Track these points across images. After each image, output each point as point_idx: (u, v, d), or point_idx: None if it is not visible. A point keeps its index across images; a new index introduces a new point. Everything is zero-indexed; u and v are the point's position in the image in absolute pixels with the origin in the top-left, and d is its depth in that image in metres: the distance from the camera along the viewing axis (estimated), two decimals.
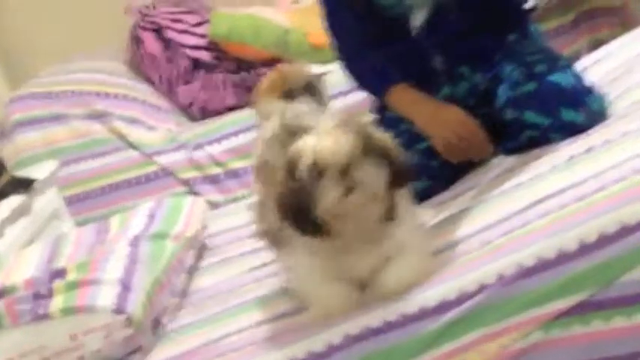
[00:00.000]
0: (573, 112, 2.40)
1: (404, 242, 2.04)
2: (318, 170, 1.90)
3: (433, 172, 2.55)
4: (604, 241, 1.84)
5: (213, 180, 3.89)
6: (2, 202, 3.30)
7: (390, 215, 1.99)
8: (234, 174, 3.88)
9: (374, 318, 1.97)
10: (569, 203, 1.98)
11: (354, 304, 2.04)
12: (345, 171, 1.90)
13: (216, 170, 3.90)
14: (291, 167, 1.93)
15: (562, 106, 2.41)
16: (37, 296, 2.27)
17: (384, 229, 2.00)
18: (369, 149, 1.94)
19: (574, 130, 2.39)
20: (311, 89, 2.32)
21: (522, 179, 2.26)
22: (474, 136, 2.52)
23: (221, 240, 3.01)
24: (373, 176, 1.93)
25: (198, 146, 3.94)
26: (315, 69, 3.35)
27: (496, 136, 2.56)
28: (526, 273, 1.88)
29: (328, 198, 1.90)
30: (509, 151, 2.52)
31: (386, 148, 1.98)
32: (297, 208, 1.93)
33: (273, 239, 2.16)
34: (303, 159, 1.91)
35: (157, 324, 2.40)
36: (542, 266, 1.87)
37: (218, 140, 3.95)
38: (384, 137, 2.02)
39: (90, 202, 3.91)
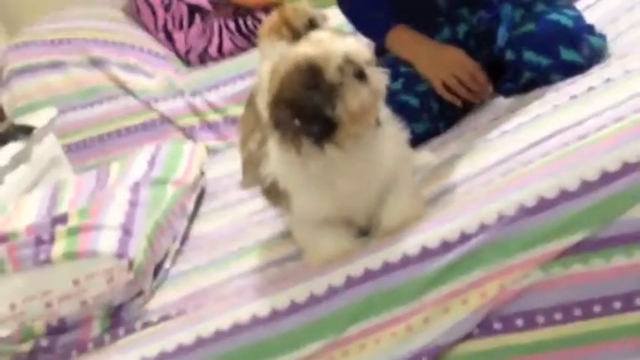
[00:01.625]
0: (573, 51, 2.39)
1: (396, 166, 2.04)
2: (343, 70, 1.90)
3: (433, 114, 2.54)
4: (605, 179, 1.84)
5: (212, 126, 3.87)
6: (2, 149, 3.29)
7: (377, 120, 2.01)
8: (232, 120, 3.85)
9: (375, 260, 1.97)
10: (571, 142, 1.97)
11: (352, 248, 2.05)
12: (363, 71, 1.91)
13: (215, 117, 3.88)
14: (313, 69, 1.91)
15: (562, 45, 2.40)
16: (39, 242, 2.27)
17: (373, 137, 2.01)
18: None
19: (574, 69, 2.38)
20: (314, 28, 2.31)
21: (523, 120, 2.26)
22: (474, 78, 2.51)
23: (221, 185, 3.01)
24: (382, 76, 1.95)
25: (197, 93, 3.92)
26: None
27: (496, 77, 2.55)
28: (527, 212, 1.88)
29: (355, 99, 1.90)
30: (509, 93, 2.52)
31: None
32: (313, 110, 1.91)
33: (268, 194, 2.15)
34: (331, 59, 1.90)
35: (158, 269, 2.42)
36: (543, 205, 1.87)
37: (216, 87, 3.93)
38: None
39: (89, 150, 3.89)
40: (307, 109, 1.91)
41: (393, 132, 2.06)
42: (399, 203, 2.04)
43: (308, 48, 1.93)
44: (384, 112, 2.05)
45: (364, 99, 1.91)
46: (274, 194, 2.10)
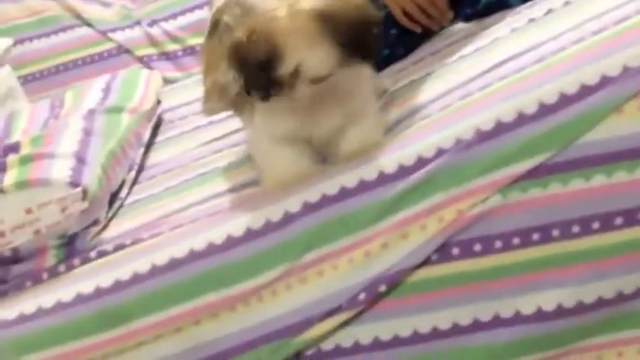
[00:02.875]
0: None
1: (362, 105, 2.02)
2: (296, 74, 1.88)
3: (392, 41, 2.52)
4: (563, 101, 1.82)
5: (170, 57, 3.82)
6: None
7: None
8: (191, 50, 3.81)
9: (332, 185, 1.95)
10: (528, 65, 1.95)
11: (309, 170, 2.03)
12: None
13: (173, 47, 3.83)
14: (262, 50, 1.87)
15: None
16: None
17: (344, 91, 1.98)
18: (344, 35, 1.89)
19: None
20: None
21: (481, 43, 2.23)
22: (434, 4, 2.48)
23: (177, 114, 2.98)
24: (347, 73, 1.92)
25: (154, 22, 3.87)
26: None
27: (456, 3, 2.52)
28: (484, 136, 1.86)
29: (298, 95, 1.90)
30: (469, 18, 2.49)
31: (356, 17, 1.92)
32: (256, 66, 1.88)
33: (233, 103, 2.13)
34: (284, 62, 1.86)
35: (113, 198, 2.39)
36: (501, 129, 1.85)
37: (174, 16, 3.87)
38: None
39: (45, 81, 3.83)
40: (248, 62, 1.89)
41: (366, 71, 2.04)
42: (359, 130, 2.02)
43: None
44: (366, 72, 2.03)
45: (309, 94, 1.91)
46: (240, 102, 2.07)
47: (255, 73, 1.89)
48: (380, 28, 1.97)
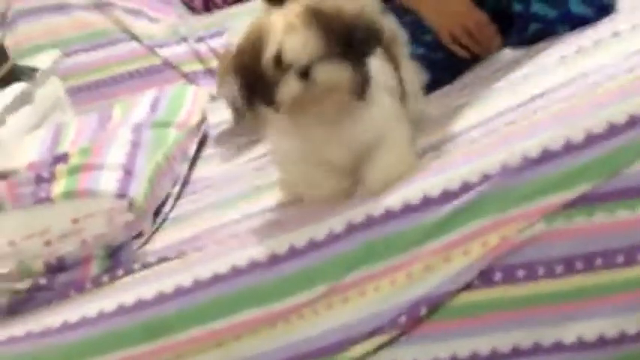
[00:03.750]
0: (582, 4, 2.37)
1: (382, 130, 2.00)
2: (280, 63, 1.88)
3: (438, 65, 2.52)
4: (611, 131, 1.82)
5: (215, 73, 3.85)
6: (5, 90, 3.28)
7: (359, 94, 1.95)
8: None
9: (376, 207, 1.95)
10: (577, 94, 1.95)
11: (350, 187, 2.04)
12: (306, 69, 1.87)
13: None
14: (256, 48, 1.91)
15: None
16: (39, 180, 2.27)
17: (354, 110, 1.97)
18: (333, 31, 1.89)
19: (582, 22, 2.36)
20: None
21: (529, 70, 2.24)
22: (482, 29, 2.49)
23: (222, 130, 3.00)
24: (335, 72, 1.89)
25: (200, 39, 3.90)
26: None
27: (504, 30, 2.53)
28: (530, 163, 1.86)
29: (286, 92, 1.88)
30: (516, 45, 2.49)
31: (352, 21, 1.93)
32: (256, 86, 1.91)
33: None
34: (267, 48, 1.88)
35: (158, 211, 2.41)
36: (548, 156, 1.85)
37: (220, 34, 3.90)
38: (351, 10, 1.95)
39: (91, 93, 3.88)
40: (248, 83, 1.93)
41: (382, 102, 2.01)
42: (383, 163, 2.00)
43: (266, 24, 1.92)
44: (378, 83, 2.00)
45: (301, 93, 1.88)
46: (255, 124, 2.12)
47: (247, 69, 1.91)
48: (378, 37, 1.98)
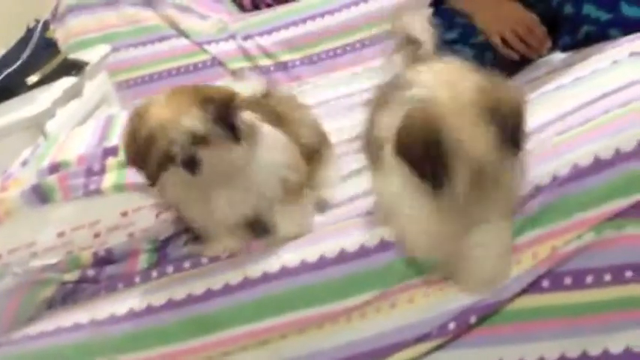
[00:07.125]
0: (635, 6, 2.35)
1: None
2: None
3: (487, 66, 2.50)
4: None
5: (262, 71, 3.86)
6: (55, 83, 3.31)
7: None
8: (283, 66, 3.85)
9: None
10: (630, 101, 1.93)
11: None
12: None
13: (265, 62, 3.87)
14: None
15: (623, 0, 2.35)
16: (90, 172, 2.29)
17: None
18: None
19: (634, 25, 2.33)
20: None
21: (581, 74, 2.22)
22: (533, 33, 2.48)
23: None
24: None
25: (248, 37, 3.91)
26: None
27: (554, 32, 2.52)
28: (581, 173, 1.84)
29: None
30: (567, 48, 2.48)
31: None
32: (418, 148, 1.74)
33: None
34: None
35: None
36: (598, 166, 1.83)
37: (269, 32, 3.92)
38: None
39: (139, 88, 3.90)
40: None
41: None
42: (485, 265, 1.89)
43: None
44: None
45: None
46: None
47: (418, 157, 1.74)
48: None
